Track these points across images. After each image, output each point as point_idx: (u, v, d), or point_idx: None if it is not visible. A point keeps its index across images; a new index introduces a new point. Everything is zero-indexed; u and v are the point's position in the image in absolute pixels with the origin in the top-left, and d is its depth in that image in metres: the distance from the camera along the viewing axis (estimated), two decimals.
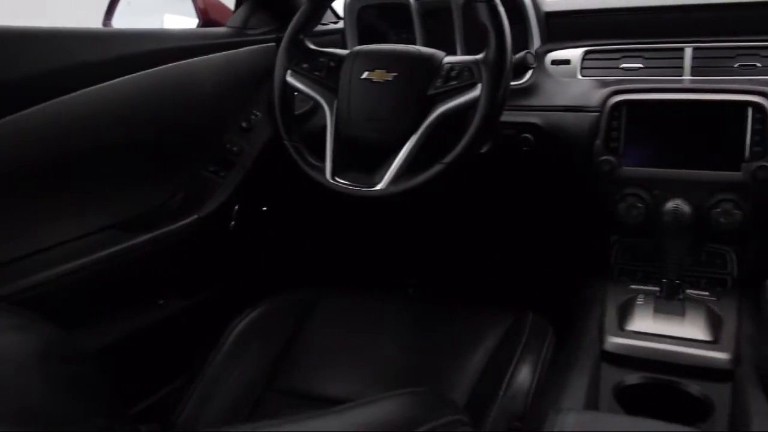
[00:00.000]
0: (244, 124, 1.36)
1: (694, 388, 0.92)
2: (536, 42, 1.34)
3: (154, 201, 1.28)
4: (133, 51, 1.16)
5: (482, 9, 1.00)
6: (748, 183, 1.11)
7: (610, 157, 1.18)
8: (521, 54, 1.15)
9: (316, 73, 1.15)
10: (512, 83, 1.26)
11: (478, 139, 1.02)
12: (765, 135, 1.10)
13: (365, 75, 1.09)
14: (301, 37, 1.18)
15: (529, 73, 1.29)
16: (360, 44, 1.21)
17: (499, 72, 1.00)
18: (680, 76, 1.21)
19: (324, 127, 1.12)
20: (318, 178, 1.10)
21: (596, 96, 1.21)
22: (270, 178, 1.40)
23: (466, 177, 1.19)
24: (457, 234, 1.68)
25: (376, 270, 1.72)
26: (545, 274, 1.57)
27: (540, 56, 1.31)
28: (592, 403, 0.89)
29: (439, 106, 1.04)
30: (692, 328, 1.03)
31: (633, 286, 1.17)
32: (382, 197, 1.04)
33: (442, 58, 1.08)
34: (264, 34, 1.41)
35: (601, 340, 1.02)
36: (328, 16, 1.55)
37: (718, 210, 1.13)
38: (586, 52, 1.29)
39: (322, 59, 1.16)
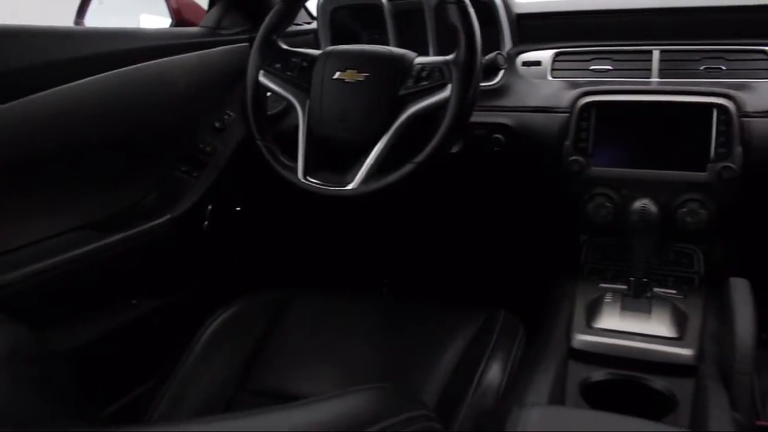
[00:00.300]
0: (217, 124, 1.36)
1: (659, 383, 0.94)
2: (508, 43, 1.35)
3: (127, 201, 1.28)
4: (105, 50, 1.16)
5: (453, 10, 1.01)
6: (713, 183, 1.13)
7: (580, 158, 1.19)
8: (491, 55, 1.17)
9: (289, 73, 1.15)
10: (484, 84, 1.27)
11: (448, 139, 1.03)
12: (729, 136, 1.12)
13: (337, 75, 1.10)
14: (274, 37, 1.18)
15: (501, 74, 1.30)
16: (333, 45, 1.21)
17: (469, 72, 1.01)
18: (648, 78, 1.24)
19: (296, 127, 1.12)
20: (290, 178, 1.11)
21: (566, 97, 1.22)
22: (243, 178, 1.40)
23: (439, 177, 1.20)
24: (430, 233, 1.69)
25: (350, 270, 1.72)
26: (517, 273, 1.59)
27: (511, 57, 1.32)
28: (557, 399, 0.90)
29: (410, 106, 1.05)
30: (658, 325, 1.04)
31: (602, 285, 1.19)
32: (353, 197, 1.05)
33: (413, 59, 1.09)
34: (237, 34, 1.41)
35: (568, 337, 1.04)
36: (302, 17, 1.56)
37: (685, 209, 1.15)
38: (557, 54, 1.31)
39: (294, 59, 1.16)
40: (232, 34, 1.40)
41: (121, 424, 0.44)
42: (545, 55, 1.31)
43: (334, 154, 1.10)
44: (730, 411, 0.82)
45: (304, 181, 1.09)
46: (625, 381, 0.96)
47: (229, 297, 1.21)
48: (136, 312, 1.30)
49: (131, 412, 1.22)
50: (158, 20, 1.54)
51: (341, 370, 1.09)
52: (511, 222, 1.53)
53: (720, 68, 1.20)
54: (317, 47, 1.43)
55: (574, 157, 1.20)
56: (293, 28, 1.50)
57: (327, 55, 1.13)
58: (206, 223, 1.36)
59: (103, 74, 1.14)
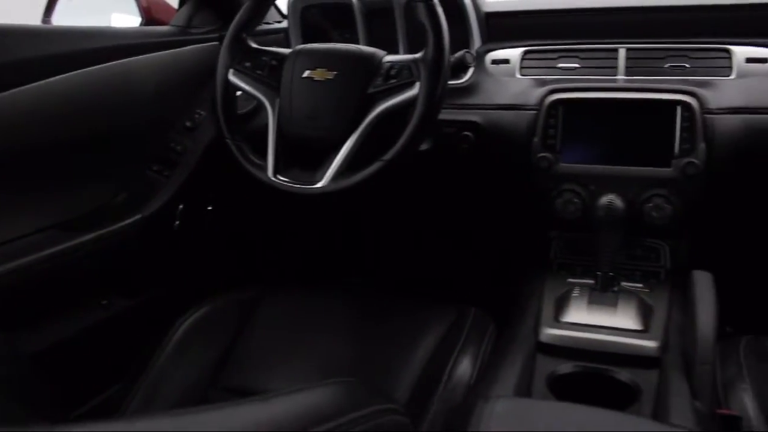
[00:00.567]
0: (188, 123, 1.36)
1: (624, 375, 0.95)
2: (477, 42, 1.36)
3: (97, 201, 1.27)
4: (72, 48, 1.15)
5: (421, 9, 1.02)
6: (678, 179, 1.15)
7: (548, 154, 1.21)
8: (460, 53, 1.18)
9: (258, 71, 1.15)
10: (453, 82, 1.28)
11: (417, 137, 1.04)
12: (693, 133, 1.14)
13: (306, 74, 1.10)
14: (244, 35, 1.18)
15: (470, 72, 1.31)
16: (303, 43, 1.22)
17: (437, 70, 1.02)
18: (614, 75, 1.25)
19: (267, 126, 1.13)
20: (260, 176, 1.11)
21: (534, 94, 1.24)
22: (215, 178, 1.40)
23: (409, 175, 1.21)
24: (401, 231, 1.70)
25: (322, 268, 1.73)
26: (488, 270, 1.60)
27: (480, 56, 1.33)
28: (523, 392, 0.91)
29: (379, 104, 1.06)
30: (624, 318, 1.06)
31: (570, 280, 1.20)
32: (322, 195, 1.05)
33: (382, 57, 1.09)
34: (207, 32, 1.40)
35: (536, 331, 1.05)
36: (273, 16, 1.56)
37: (650, 205, 1.17)
38: (525, 52, 1.32)
39: (264, 58, 1.16)
40: (202, 33, 1.40)
41: (84, 422, 0.44)
42: (514, 54, 1.32)
43: (304, 153, 1.11)
44: (690, 400, 0.84)
45: (273, 179, 1.09)
46: (591, 373, 0.97)
47: (201, 296, 1.21)
48: (106, 312, 1.29)
49: (102, 412, 1.22)
50: (130, 19, 1.53)
51: (312, 366, 1.10)
52: (481, 219, 1.55)
53: (684, 66, 1.22)
54: (288, 46, 1.43)
55: (542, 154, 1.21)
56: (264, 26, 1.50)
57: (296, 53, 1.13)
58: (177, 222, 1.35)
59: (71, 73, 1.13)
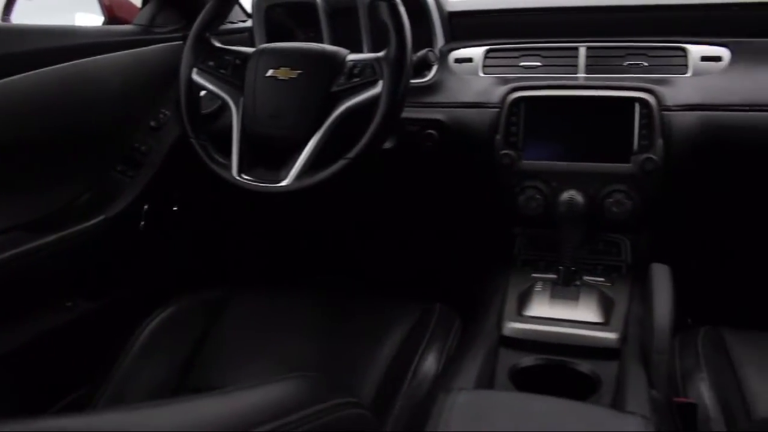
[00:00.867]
0: (152, 123, 1.35)
1: (585, 366, 0.97)
2: (440, 41, 1.38)
3: (60, 201, 1.25)
4: (34, 47, 1.14)
5: (383, 8, 1.03)
6: (637, 174, 1.18)
7: (510, 151, 1.23)
8: (422, 52, 1.19)
9: (222, 71, 1.16)
10: (417, 81, 1.30)
11: (380, 134, 1.05)
12: (651, 129, 1.17)
13: (270, 73, 1.10)
14: (207, 34, 1.18)
15: (434, 70, 1.32)
16: (268, 43, 1.22)
17: (399, 69, 1.03)
18: (575, 73, 1.27)
19: (231, 125, 1.13)
20: (224, 176, 1.11)
21: (497, 92, 1.26)
22: (180, 178, 1.39)
23: (374, 173, 1.22)
24: (367, 230, 1.71)
25: (288, 267, 1.73)
26: (453, 267, 1.62)
27: (444, 55, 1.35)
28: (484, 385, 0.92)
29: (342, 103, 1.06)
30: (585, 312, 1.08)
31: (534, 275, 1.22)
32: (287, 193, 1.05)
33: (346, 56, 1.10)
34: (171, 32, 1.40)
35: (499, 326, 1.07)
36: (238, 15, 1.55)
37: (611, 200, 1.19)
38: (488, 51, 1.33)
39: (227, 57, 1.16)
40: (165, 32, 1.39)
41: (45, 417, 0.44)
42: (477, 52, 1.34)
43: (269, 152, 1.11)
44: (647, 388, 0.86)
45: (238, 178, 1.09)
46: (552, 365, 0.99)
47: (167, 297, 1.21)
48: (71, 314, 1.28)
49: None
50: (94, 19, 1.51)
51: (280, 365, 1.10)
52: (446, 216, 1.56)
53: (642, 64, 1.25)
54: (253, 45, 1.43)
55: (505, 151, 1.23)
56: (228, 26, 1.50)
57: (260, 52, 1.14)
58: (143, 223, 1.35)
59: (31, 72, 1.12)
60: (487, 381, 0.93)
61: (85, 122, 1.25)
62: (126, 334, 1.13)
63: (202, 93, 1.20)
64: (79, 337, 1.29)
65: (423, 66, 1.23)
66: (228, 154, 1.12)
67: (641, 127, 1.17)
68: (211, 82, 1.16)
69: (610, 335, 1.02)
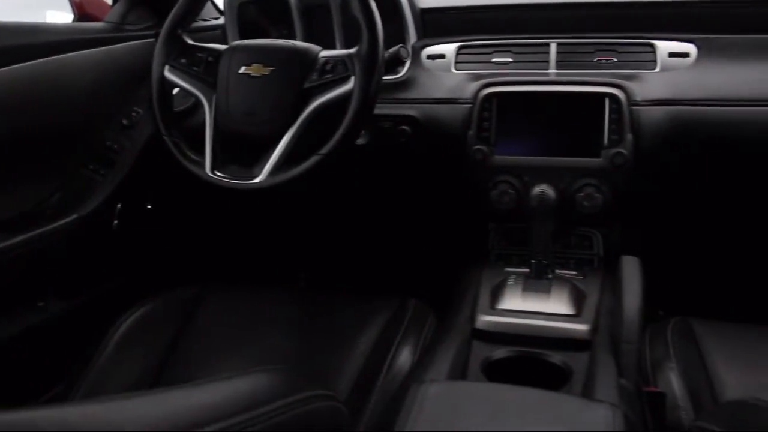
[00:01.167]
0: (124, 122, 1.34)
1: (556, 358, 0.98)
2: (412, 37, 1.38)
3: (31, 201, 1.24)
4: (2, 45, 1.13)
5: (355, 4, 1.04)
6: (607, 168, 1.20)
7: (483, 147, 1.24)
8: (394, 48, 1.20)
9: (195, 68, 1.15)
10: (390, 77, 1.31)
11: (353, 130, 1.05)
12: (620, 124, 1.19)
13: (243, 69, 1.10)
14: (179, 32, 1.18)
15: (406, 67, 1.33)
16: (241, 40, 1.22)
17: (371, 65, 1.04)
18: (546, 69, 1.29)
19: (204, 122, 1.13)
20: (197, 173, 1.11)
21: (469, 88, 1.27)
22: (153, 176, 1.38)
23: (348, 169, 1.23)
24: (342, 226, 1.71)
25: (263, 264, 1.73)
26: (428, 262, 1.63)
27: (416, 51, 1.36)
28: (457, 377, 0.93)
29: (315, 99, 1.07)
30: (557, 304, 1.09)
31: (508, 269, 1.24)
32: (260, 189, 1.06)
33: (318, 53, 1.11)
34: (143, 29, 1.39)
35: (472, 319, 1.08)
36: (211, 12, 1.55)
37: (582, 194, 1.21)
38: (460, 47, 1.35)
39: (200, 54, 1.16)
40: (137, 30, 1.38)
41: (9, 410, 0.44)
42: (449, 49, 1.35)
43: (242, 148, 1.11)
44: (616, 378, 0.88)
45: (211, 175, 1.09)
46: (525, 357, 1.00)
47: (142, 295, 1.20)
48: (43, 314, 1.27)
49: None
50: (65, 17, 1.50)
51: (256, 362, 1.10)
52: (421, 212, 1.57)
53: (612, 60, 1.27)
54: (226, 43, 1.43)
55: (477, 147, 1.24)
56: (201, 23, 1.49)
57: (232, 49, 1.14)
58: (116, 222, 1.34)
59: (1, 69, 1.10)
60: (459, 373, 0.93)
61: (56, 120, 1.24)
62: (100, 333, 1.12)
63: (175, 91, 1.20)
64: (52, 337, 1.28)
65: (395, 62, 1.24)
66: (201, 152, 1.12)
67: (611, 122, 1.19)
68: (183, 80, 1.15)
69: (581, 327, 1.03)
